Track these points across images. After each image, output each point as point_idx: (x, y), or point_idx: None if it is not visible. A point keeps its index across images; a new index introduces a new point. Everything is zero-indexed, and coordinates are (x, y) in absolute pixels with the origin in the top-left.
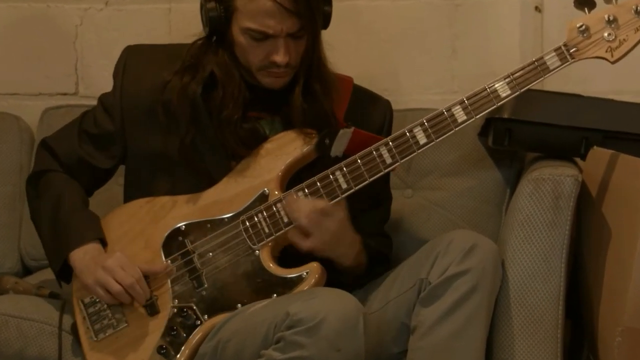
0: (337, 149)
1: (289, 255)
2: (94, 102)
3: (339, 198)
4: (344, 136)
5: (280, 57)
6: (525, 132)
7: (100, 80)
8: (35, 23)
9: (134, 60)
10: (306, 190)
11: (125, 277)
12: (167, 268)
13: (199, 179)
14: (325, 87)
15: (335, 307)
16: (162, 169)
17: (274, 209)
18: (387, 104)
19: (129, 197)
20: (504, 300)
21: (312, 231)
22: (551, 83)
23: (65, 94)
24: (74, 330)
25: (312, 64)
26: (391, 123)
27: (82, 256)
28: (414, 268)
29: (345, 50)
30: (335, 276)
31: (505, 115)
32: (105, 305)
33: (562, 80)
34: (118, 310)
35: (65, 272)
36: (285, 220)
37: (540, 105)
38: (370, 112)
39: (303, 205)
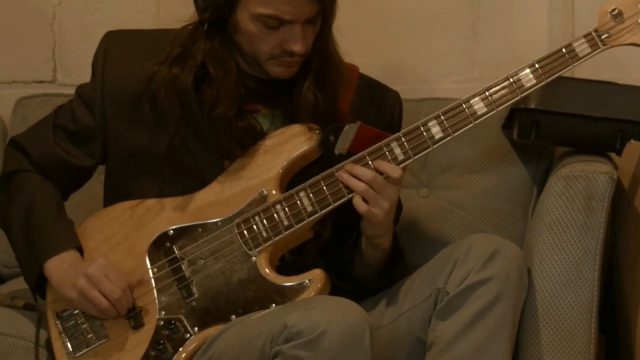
0: (341, 145)
1: (289, 264)
2: (74, 91)
3: (345, 199)
4: (349, 132)
5: (298, 46)
6: (554, 124)
7: (80, 67)
8: (8, 2)
9: (116, 47)
10: (308, 191)
11: (112, 290)
12: (145, 279)
13: (189, 180)
14: (340, 76)
15: (338, 318)
16: (148, 169)
17: (273, 211)
18: (396, 95)
19: (110, 200)
20: (531, 312)
21: (372, 200)
22: (582, 70)
23: (41, 82)
24: (49, 346)
25: (326, 50)
26: (401, 117)
27: (59, 265)
28: (430, 277)
29: (351, 35)
30: (342, 283)
31: (532, 106)
32: (84, 319)
33: (594, 67)
34: (97, 323)
35: (41, 285)
36: (286, 223)
37: (570, 94)
38: (378, 105)
39: (362, 171)
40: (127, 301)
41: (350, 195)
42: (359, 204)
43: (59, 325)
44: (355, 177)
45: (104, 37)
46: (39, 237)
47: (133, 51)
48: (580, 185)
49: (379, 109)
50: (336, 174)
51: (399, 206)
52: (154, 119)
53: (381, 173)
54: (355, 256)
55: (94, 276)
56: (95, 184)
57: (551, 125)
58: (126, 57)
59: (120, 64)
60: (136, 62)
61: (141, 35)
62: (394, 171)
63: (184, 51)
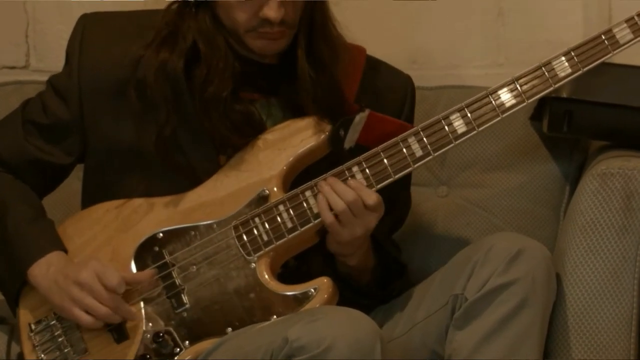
0: (350, 138)
1: (293, 271)
2: (49, 79)
3: None
4: (359, 123)
5: (273, 12)
6: (589, 115)
7: (56, 50)
8: None
9: (94, 31)
10: (315, 190)
11: (109, 298)
12: (153, 276)
13: (180, 178)
14: (333, 50)
15: (345, 331)
16: (133, 167)
17: (275, 212)
18: (408, 80)
19: (89, 202)
20: (562, 324)
21: (347, 223)
22: (621, 54)
23: (13, 68)
24: None
25: (314, 21)
26: (413, 104)
27: (46, 270)
28: (446, 282)
29: (360, 13)
30: (350, 293)
31: (564, 95)
32: (61, 331)
33: (634, 51)
34: (76, 336)
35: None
36: (289, 225)
37: (607, 81)
38: (387, 91)
39: (345, 191)
40: (128, 309)
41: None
42: (326, 214)
43: (33, 338)
44: (336, 192)
45: (78, 20)
46: (18, 242)
47: (113, 35)
48: (618, 184)
49: (388, 96)
50: (317, 184)
51: (406, 204)
52: (142, 107)
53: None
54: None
55: (85, 282)
56: (74, 181)
57: (586, 116)
58: (106, 41)
59: (100, 49)
60: (118, 46)
61: (121, 18)
62: (369, 197)
63: (174, 30)
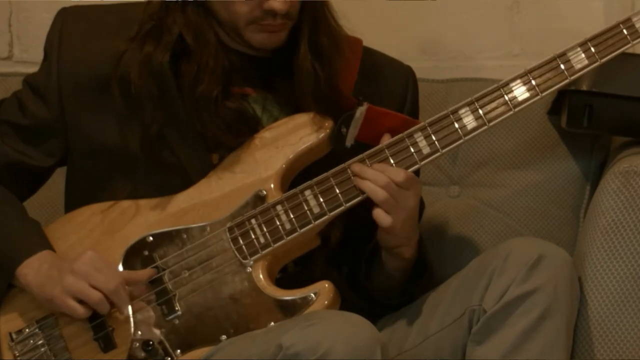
0: (351, 135)
1: (293, 276)
2: (34, 69)
3: (359, 198)
4: (360, 118)
5: (279, 3)
6: (611, 109)
7: (42, 40)
8: None
9: (74, 25)
10: (315, 189)
11: (105, 280)
12: (151, 277)
13: (170, 179)
14: (336, 42)
15: (343, 336)
16: (119, 167)
17: (273, 213)
18: (409, 70)
19: (73, 206)
20: (582, 335)
21: (389, 209)
22: None
23: None
24: None
25: (318, 14)
26: (416, 95)
27: (38, 267)
28: (461, 292)
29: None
30: (357, 298)
31: (584, 87)
32: (43, 340)
33: None
34: (60, 345)
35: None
36: (288, 227)
37: (630, 73)
38: (387, 82)
39: (374, 175)
40: (124, 296)
41: (365, 195)
42: (381, 216)
43: (14, 348)
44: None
45: (57, 14)
46: (5, 242)
47: (95, 29)
48: None
49: (389, 87)
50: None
51: (420, 205)
52: (126, 105)
53: None
54: (374, 267)
55: (81, 270)
56: (61, 181)
57: (607, 110)
58: (87, 35)
59: (80, 44)
60: (99, 41)
61: (102, 11)
62: (397, 175)
63: (158, 23)
